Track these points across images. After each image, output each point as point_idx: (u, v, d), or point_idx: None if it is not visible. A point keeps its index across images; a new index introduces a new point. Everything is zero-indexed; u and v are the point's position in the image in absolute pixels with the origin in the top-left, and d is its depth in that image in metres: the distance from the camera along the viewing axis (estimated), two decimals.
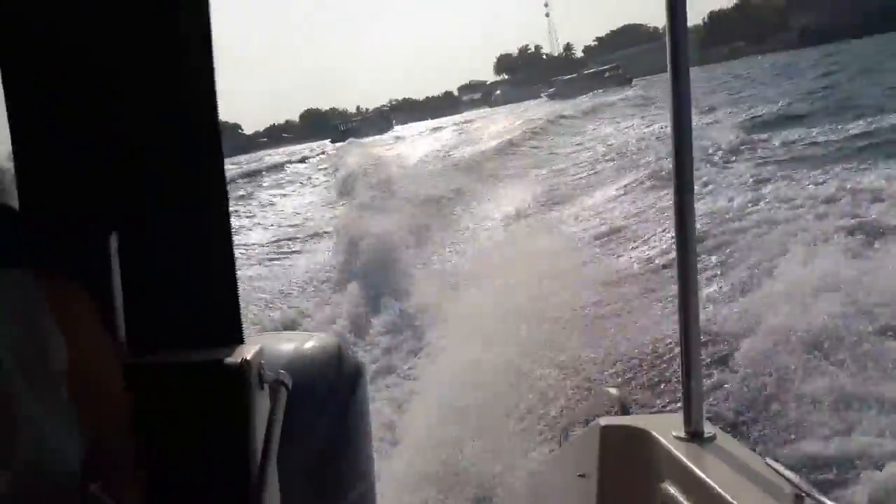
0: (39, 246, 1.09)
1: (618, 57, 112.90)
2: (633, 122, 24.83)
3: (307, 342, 1.60)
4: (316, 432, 1.49)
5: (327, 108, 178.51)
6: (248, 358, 1.21)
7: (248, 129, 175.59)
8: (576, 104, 43.46)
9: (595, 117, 31.03)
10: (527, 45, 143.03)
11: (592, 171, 15.83)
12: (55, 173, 1.36)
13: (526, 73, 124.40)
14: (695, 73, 1.68)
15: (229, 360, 1.21)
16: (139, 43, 1.33)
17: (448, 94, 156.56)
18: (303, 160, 41.20)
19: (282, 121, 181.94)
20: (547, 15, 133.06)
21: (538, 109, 48.04)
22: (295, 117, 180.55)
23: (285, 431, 1.23)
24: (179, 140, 1.34)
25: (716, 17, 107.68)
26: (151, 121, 1.35)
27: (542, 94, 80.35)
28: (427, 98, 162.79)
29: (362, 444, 1.67)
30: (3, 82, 1.33)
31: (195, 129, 1.33)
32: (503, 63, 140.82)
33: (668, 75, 1.47)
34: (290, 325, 8.03)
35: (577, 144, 22.15)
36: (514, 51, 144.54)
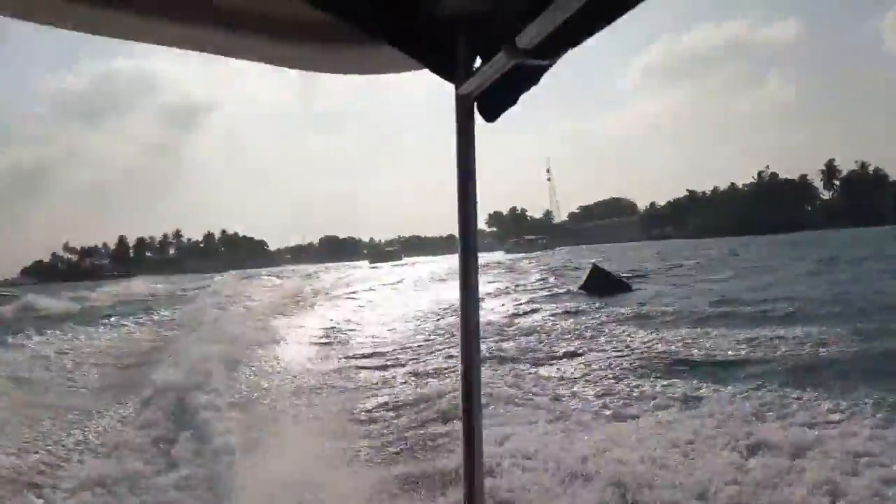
0: None
1: (591, 226, 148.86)
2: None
3: None
4: None
5: (345, 235, 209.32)
6: None
7: (272, 246, 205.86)
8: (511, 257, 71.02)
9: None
10: (515, 207, 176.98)
11: None
12: None
13: (509, 229, 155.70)
14: None
15: None
16: None
17: (450, 236, 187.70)
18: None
19: (303, 242, 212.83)
20: (548, 179, 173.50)
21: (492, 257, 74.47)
22: (314, 240, 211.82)
23: None
24: None
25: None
26: None
27: (502, 248, 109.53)
28: (429, 238, 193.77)
29: None
30: None
31: None
32: (495, 219, 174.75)
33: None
34: None
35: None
36: (505, 210, 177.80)
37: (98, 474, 5.79)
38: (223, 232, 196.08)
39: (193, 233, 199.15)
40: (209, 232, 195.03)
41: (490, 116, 1.47)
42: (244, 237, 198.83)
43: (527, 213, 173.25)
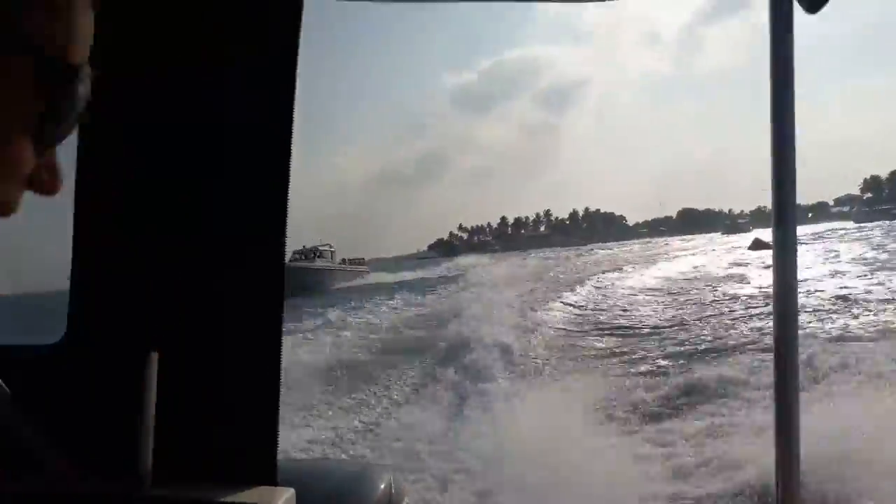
0: (78, 360, 1.16)
1: None
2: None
3: (351, 479, 1.45)
4: None
5: (703, 208, 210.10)
6: None
7: (631, 220, 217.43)
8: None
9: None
10: None
11: None
12: (102, 285, 1.30)
13: (888, 196, 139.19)
14: None
15: None
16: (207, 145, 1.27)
17: (821, 204, 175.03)
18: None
19: (660, 215, 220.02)
20: None
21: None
22: (671, 213, 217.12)
23: None
24: (239, 265, 1.26)
25: None
26: (206, 241, 1.26)
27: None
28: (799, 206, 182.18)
29: None
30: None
31: (257, 256, 1.24)
32: (870, 183, 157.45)
33: None
34: None
35: None
36: (884, 173, 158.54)
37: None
38: (585, 209, 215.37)
39: (560, 211, 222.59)
40: (574, 210, 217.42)
41: (812, 5, 1.05)
42: (604, 213, 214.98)
43: None
